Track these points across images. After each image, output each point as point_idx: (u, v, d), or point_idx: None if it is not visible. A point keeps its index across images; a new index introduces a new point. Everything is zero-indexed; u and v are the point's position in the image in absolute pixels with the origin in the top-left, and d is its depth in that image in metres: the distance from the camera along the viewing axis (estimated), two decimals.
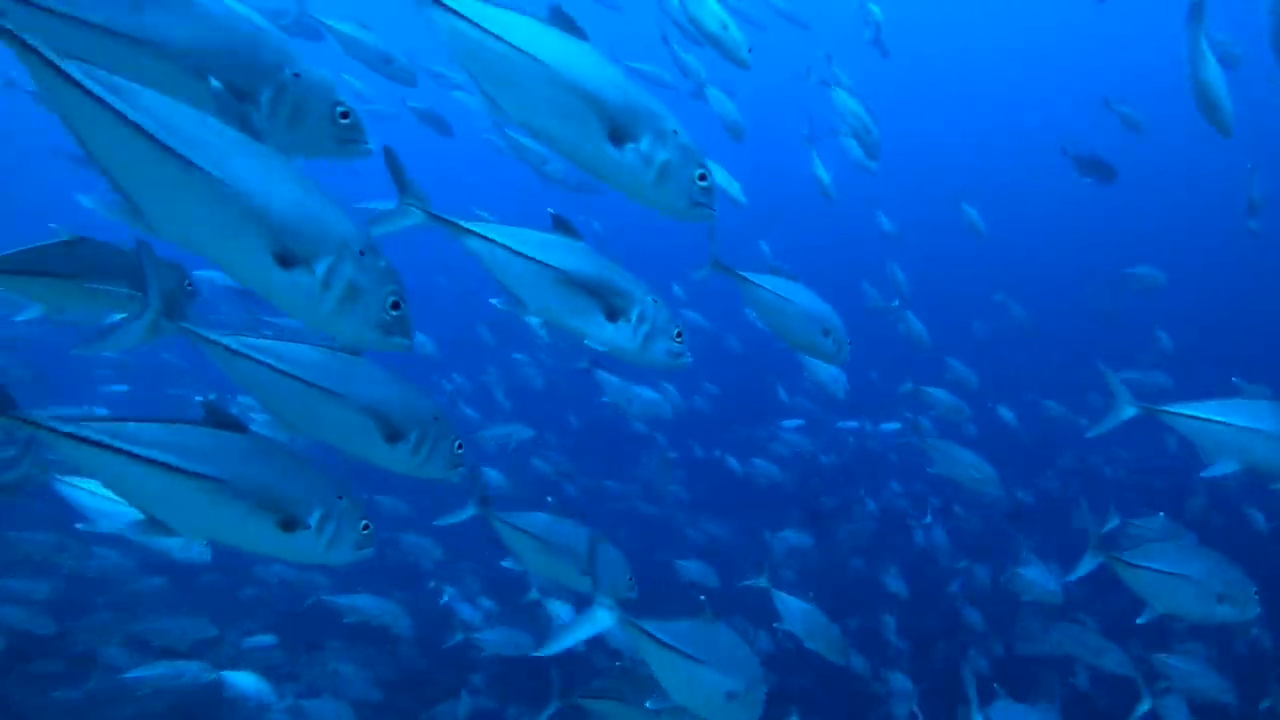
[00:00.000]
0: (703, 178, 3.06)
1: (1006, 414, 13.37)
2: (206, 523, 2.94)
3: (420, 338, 10.66)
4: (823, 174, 10.03)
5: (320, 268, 2.64)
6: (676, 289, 15.04)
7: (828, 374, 8.39)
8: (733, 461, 13.51)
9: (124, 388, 11.70)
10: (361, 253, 2.71)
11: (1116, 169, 11.02)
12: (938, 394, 9.97)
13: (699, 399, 15.11)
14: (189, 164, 2.46)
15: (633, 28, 10.64)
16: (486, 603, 9.52)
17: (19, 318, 4.18)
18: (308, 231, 2.61)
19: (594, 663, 8.29)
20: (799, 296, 4.75)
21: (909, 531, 11.47)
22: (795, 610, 6.29)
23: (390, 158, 3.18)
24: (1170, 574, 4.49)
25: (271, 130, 2.73)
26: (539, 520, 4.69)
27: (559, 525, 4.70)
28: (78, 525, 5.04)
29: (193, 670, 7.12)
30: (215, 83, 2.61)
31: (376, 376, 3.23)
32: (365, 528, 3.10)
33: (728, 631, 4.14)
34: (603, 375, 9.47)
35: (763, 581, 6.28)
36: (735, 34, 6.50)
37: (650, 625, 3.91)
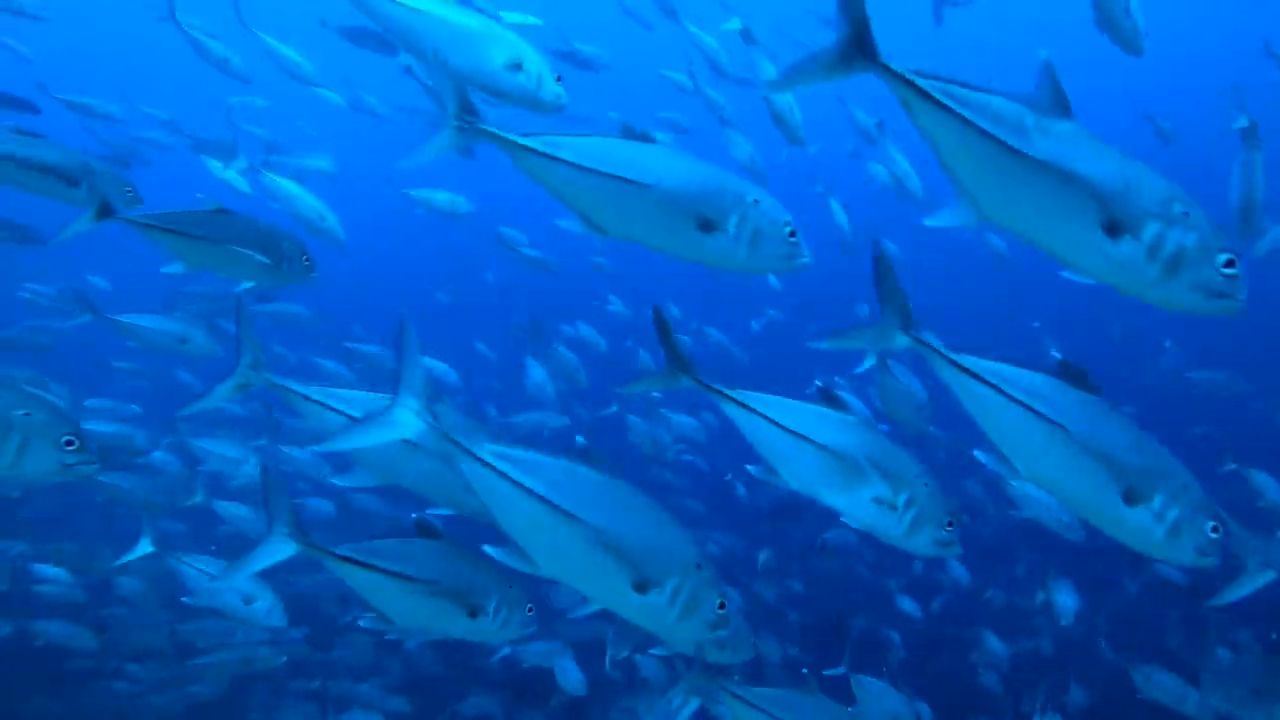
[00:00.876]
0: (1215, 529, 3.04)
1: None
2: (417, 615, 3.59)
3: (441, 366, 10.68)
4: (842, 220, 10.22)
5: (668, 588, 3.12)
6: (675, 309, 15.27)
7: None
8: (739, 485, 13.46)
9: (143, 381, 11.99)
10: (698, 566, 3.16)
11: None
12: None
13: (706, 414, 15.18)
14: (572, 518, 3.08)
15: (664, 43, 10.69)
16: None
17: (165, 269, 4.59)
18: (659, 560, 3.12)
19: (613, 677, 8.37)
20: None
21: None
22: (878, 696, 5.55)
23: (659, 320, 3.44)
24: None
25: (736, 251, 3.24)
26: None
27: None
28: (183, 599, 5.76)
29: (262, 654, 7.50)
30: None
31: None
32: (529, 610, 3.63)
33: (831, 704, 4.35)
34: (630, 418, 9.56)
35: (843, 668, 6.01)
36: (798, 116, 7.60)
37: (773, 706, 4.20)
